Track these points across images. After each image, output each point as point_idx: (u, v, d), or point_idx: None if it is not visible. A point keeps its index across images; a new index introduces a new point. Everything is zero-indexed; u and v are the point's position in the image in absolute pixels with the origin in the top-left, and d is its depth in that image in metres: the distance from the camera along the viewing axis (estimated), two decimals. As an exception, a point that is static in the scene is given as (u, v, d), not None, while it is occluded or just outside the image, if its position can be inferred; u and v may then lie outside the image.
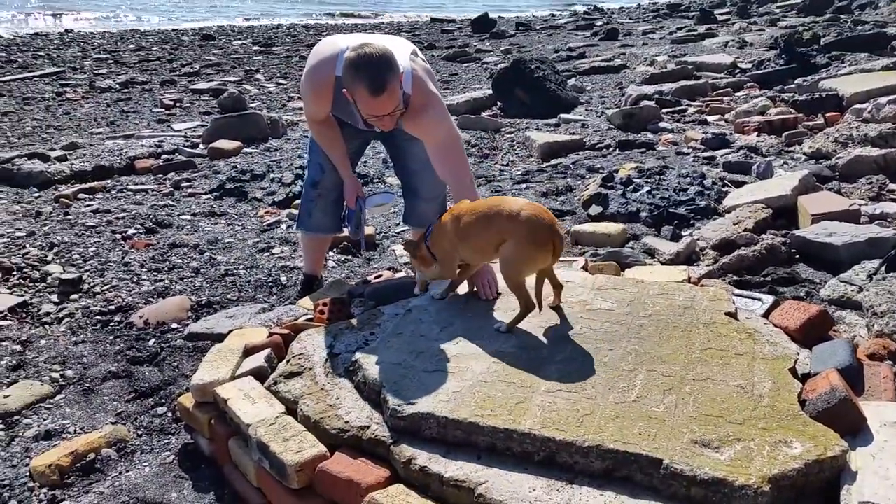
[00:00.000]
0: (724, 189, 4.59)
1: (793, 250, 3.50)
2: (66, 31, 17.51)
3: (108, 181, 5.59)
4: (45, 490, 2.24)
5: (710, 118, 7.10)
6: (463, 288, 2.61)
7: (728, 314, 2.34)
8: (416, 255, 2.59)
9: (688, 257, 3.63)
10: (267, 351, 2.45)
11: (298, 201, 3.40)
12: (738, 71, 9.48)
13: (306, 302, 2.91)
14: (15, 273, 3.72)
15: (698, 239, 3.79)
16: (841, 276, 3.10)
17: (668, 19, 20.68)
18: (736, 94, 8.11)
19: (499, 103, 8.45)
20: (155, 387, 2.77)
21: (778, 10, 18.98)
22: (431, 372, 2.08)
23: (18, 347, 3.06)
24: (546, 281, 2.41)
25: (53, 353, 3.03)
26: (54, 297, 3.53)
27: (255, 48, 14.78)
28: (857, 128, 5.27)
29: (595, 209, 4.45)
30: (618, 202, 4.42)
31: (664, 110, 7.35)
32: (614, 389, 1.94)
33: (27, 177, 5.45)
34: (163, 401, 2.70)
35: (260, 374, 2.34)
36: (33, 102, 8.80)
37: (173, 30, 18.56)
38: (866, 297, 2.70)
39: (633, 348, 2.15)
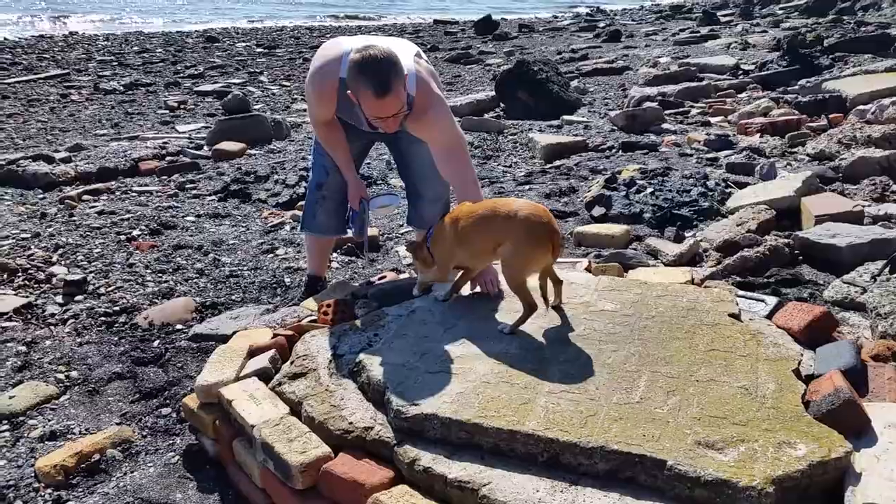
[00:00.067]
0: (728, 190, 4.59)
1: (796, 251, 3.50)
2: (71, 33, 17.56)
3: (113, 183, 5.60)
4: (50, 490, 2.24)
5: (713, 119, 7.10)
6: (466, 290, 2.62)
7: (731, 315, 2.34)
8: (418, 256, 2.60)
9: (691, 258, 3.63)
10: (271, 352, 2.45)
11: (303, 203, 3.41)
12: (741, 72, 9.47)
13: (310, 303, 2.92)
14: (20, 274, 3.74)
15: (701, 240, 3.79)
16: (844, 277, 3.09)
17: (670, 21, 20.67)
18: (739, 96, 8.11)
19: (502, 105, 8.46)
20: (159, 388, 2.78)
21: (781, 12, 18.97)
22: (435, 373, 2.08)
23: (24, 348, 3.07)
24: (552, 282, 2.41)
25: (58, 353, 3.04)
26: (59, 299, 3.54)
27: (259, 50, 14.81)
28: (860, 129, 5.26)
29: (598, 210, 4.45)
30: (621, 203, 4.42)
31: (667, 112, 7.35)
32: (618, 390, 1.94)
33: (32, 178, 5.47)
34: (167, 402, 2.71)
35: (264, 375, 2.35)
36: (38, 104, 8.83)
37: (177, 32, 18.61)
38: (870, 299, 2.70)
39: (636, 349, 2.15)
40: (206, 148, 6.66)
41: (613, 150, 6.12)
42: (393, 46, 2.52)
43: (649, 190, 4.52)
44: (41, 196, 5.25)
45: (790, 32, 12.31)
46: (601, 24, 19.94)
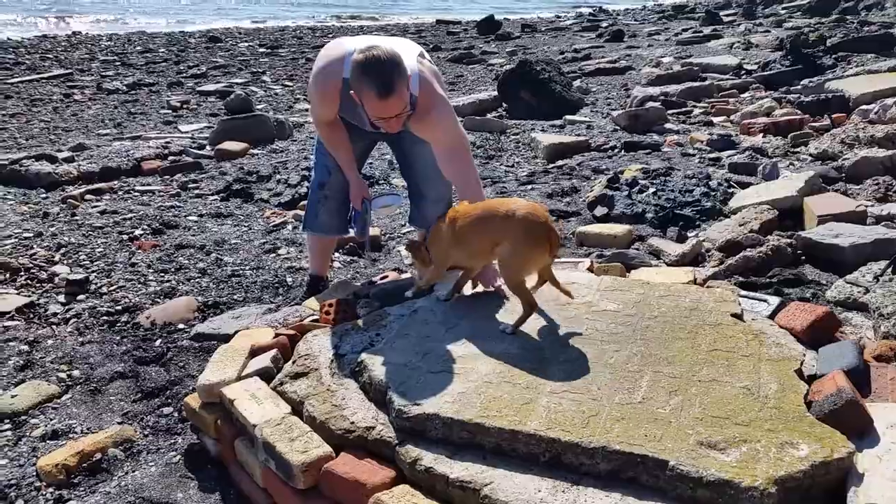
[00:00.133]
0: (730, 190, 4.58)
1: (799, 251, 3.49)
2: (74, 33, 17.58)
3: (116, 182, 5.61)
4: (51, 489, 2.25)
5: (715, 119, 7.09)
6: (468, 289, 2.62)
7: (734, 315, 2.33)
8: (417, 255, 2.61)
9: (693, 258, 3.63)
10: (273, 351, 2.45)
11: (305, 202, 3.41)
12: (743, 72, 9.46)
13: (312, 303, 2.92)
14: (22, 273, 3.74)
15: (704, 240, 3.78)
16: (847, 277, 3.09)
17: (673, 21, 20.64)
18: (742, 96, 8.10)
19: (504, 105, 8.45)
20: (161, 387, 2.78)
21: (784, 12, 18.94)
22: (437, 373, 2.08)
23: (26, 347, 3.07)
24: (551, 281, 2.41)
25: (60, 353, 3.04)
26: (61, 298, 3.55)
27: (262, 50, 14.82)
28: (863, 129, 5.25)
29: (600, 210, 4.45)
30: (623, 203, 4.42)
31: (670, 111, 7.34)
32: (620, 390, 1.94)
33: (35, 178, 5.48)
34: (169, 401, 2.71)
35: (266, 375, 2.35)
36: (41, 104, 8.85)
37: (180, 32, 18.63)
38: (873, 299, 2.69)
39: (638, 349, 2.14)
40: (208, 148, 6.67)
41: (616, 150, 6.11)
42: (396, 47, 2.52)
43: (652, 190, 4.51)
44: (44, 196, 5.26)
45: (793, 32, 12.30)
46: (604, 24, 19.91)
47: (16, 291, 3.56)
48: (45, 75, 10.79)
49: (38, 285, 3.66)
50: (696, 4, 24.87)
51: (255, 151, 6.58)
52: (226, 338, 2.78)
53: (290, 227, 4.59)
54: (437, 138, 2.68)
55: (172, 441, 2.51)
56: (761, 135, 6.04)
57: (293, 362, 2.33)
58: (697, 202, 4.35)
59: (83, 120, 8.12)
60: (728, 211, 4.25)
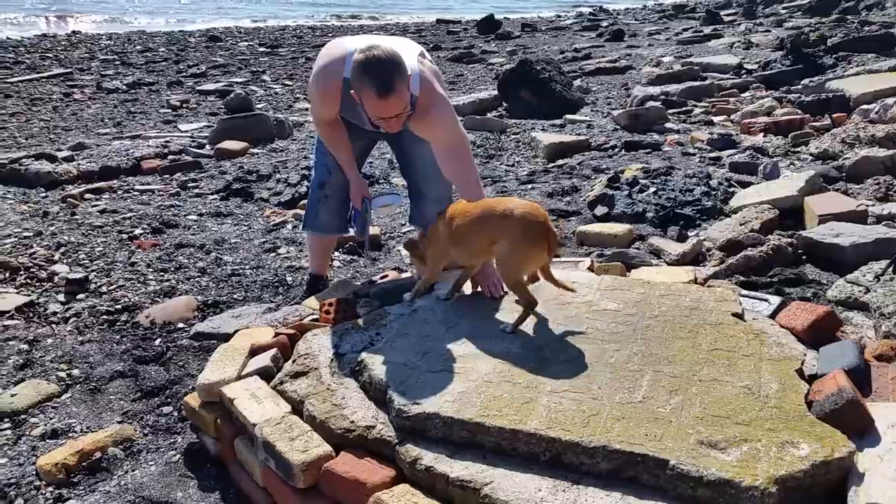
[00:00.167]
0: (731, 190, 4.58)
1: (799, 251, 3.49)
2: (74, 32, 17.56)
3: (115, 181, 5.61)
4: (51, 488, 2.25)
5: (716, 119, 7.09)
6: (467, 288, 2.61)
7: (735, 315, 2.33)
8: (416, 254, 2.61)
9: (694, 258, 3.62)
10: (273, 351, 2.45)
11: (305, 202, 3.41)
12: (744, 72, 9.46)
13: (312, 302, 2.91)
14: (22, 272, 3.74)
15: (704, 239, 3.78)
16: (848, 276, 3.08)
17: (673, 20, 20.63)
18: (742, 95, 8.09)
19: (504, 104, 8.45)
20: (161, 386, 2.78)
21: (784, 11, 18.93)
22: (437, 372, 2.08)
23: (25, 346, 3.07)
24: (550, 280, 2.41)
25: (60, 352, 3.04)
26: (61, 297, 3.54)
27: (262, 49, 14.82)
28: (864, 128, 5.25)
29: (601, 210, 4.44)
30: (624, 203, 4.41)
31: (670, 111, 7.33)
32: (620, 390, 1.94)
33: (35, 177, 5.48)
34: (169, 400, 2.71)
35: (266, 374, 2.34)
36: (41, 103, 8.84)
37: (180, 31, 18.62)
38: (873, 298, 2.69)
39: (639, 349, 2.14)
40: (208, 147, 6.66)
41: (616, 150, 6.11)
42: (396, 46, 2.52)
43: (652, 189, 4.51)
44: (43, 195, 5.26)
45: (793, 32, 12.30)
46: (604, 24, 19.90)
47: (15, 290, 3.56)
48: (45, 74, 10.79)
49: (37, 284, 3.65)
50: (697, 4, 24.86)
51: (255, 150, 6.57)
52: (225, 337, 2.78)
53: (289, 226, 4.58)
54: (437, 137, 2.67)
55: (172, 440, 2.50)
56: (762, 134, 6.04)
57: (293, 361, 2.33)
58: (698, 201, 4.35)
59: (83, 119, 8.12)
60: (729, 210, 4.24)
